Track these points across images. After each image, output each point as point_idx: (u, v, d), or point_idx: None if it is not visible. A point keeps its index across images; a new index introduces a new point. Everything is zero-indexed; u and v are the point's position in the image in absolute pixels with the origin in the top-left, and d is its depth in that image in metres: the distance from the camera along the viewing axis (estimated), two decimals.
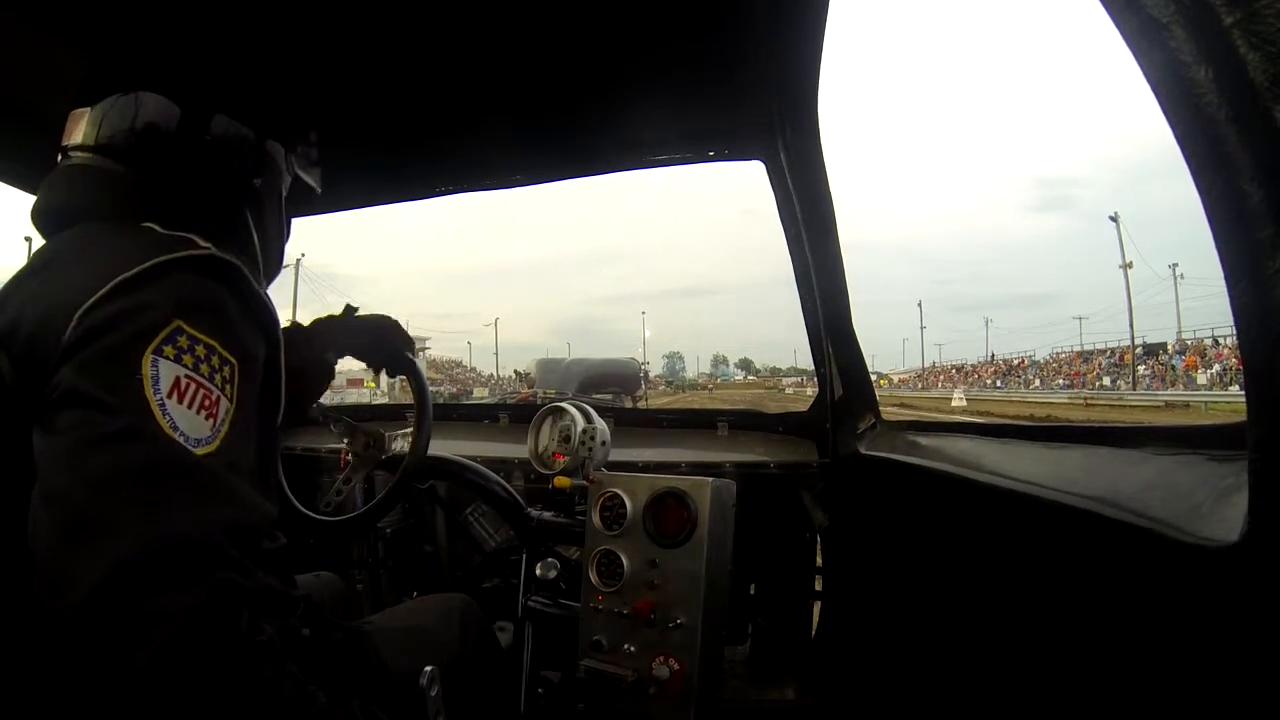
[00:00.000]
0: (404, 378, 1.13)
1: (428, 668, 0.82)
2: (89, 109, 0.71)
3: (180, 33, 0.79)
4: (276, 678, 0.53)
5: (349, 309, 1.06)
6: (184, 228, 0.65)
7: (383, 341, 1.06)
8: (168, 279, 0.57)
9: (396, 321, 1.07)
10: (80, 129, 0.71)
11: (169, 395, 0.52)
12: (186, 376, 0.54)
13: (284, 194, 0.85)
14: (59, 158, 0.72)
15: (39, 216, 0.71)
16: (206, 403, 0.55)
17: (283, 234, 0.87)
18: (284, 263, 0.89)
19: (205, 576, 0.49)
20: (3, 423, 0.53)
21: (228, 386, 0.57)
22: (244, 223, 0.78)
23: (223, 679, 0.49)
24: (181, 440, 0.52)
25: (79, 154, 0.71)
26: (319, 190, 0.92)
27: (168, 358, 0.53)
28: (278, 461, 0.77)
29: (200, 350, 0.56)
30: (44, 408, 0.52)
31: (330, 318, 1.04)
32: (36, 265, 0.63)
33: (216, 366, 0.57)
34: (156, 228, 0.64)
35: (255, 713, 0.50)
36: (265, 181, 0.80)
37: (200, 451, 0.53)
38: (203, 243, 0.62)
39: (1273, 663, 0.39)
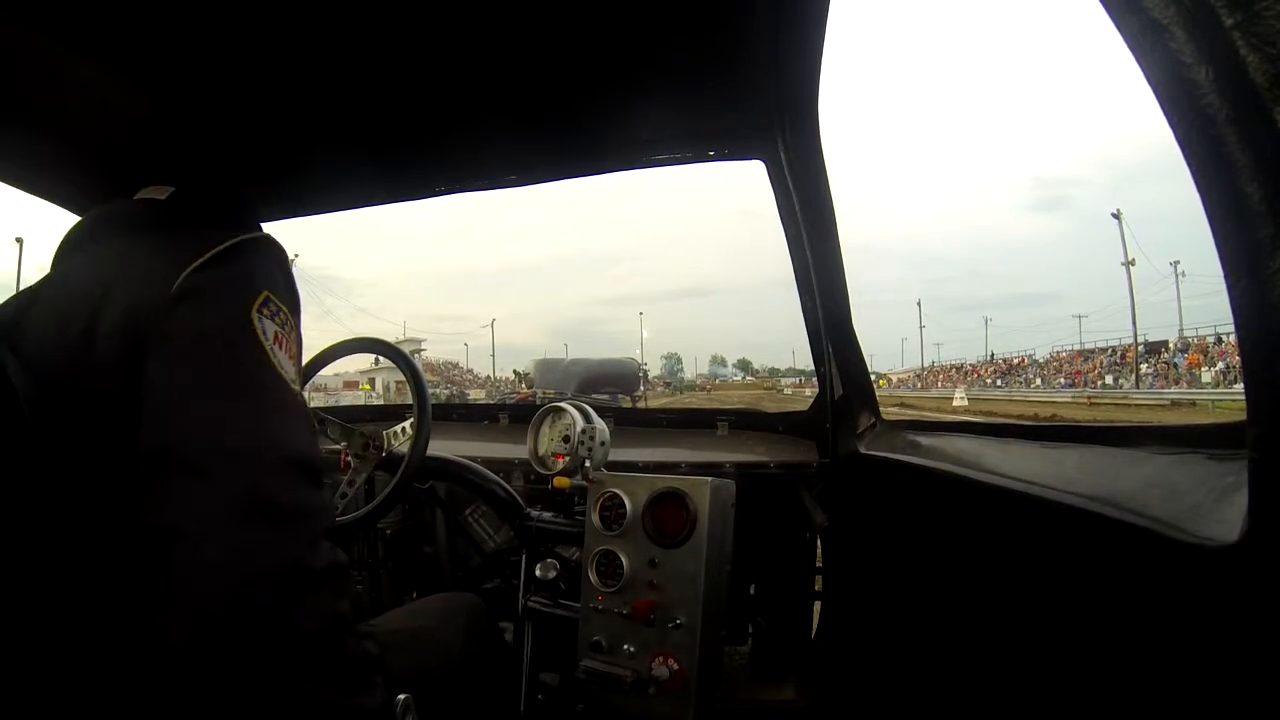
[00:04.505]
0: (401, 380, 1.14)
1: (401, 696, 0.81)
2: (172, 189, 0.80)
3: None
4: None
5: None
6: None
7: None
8: (249, 257, 0.66)
9: None
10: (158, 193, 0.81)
11: (274, 343, 0.62)
12: (278, 331, 0.64)
13: None
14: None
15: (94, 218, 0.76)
16: (292, 351, 0.65)
17: None
18: None
19: (321, 487, 0.60)
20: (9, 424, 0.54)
21: (296, 346, 0.68)
22: None
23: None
24: (286, 376, 0.62)
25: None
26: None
27: (266, 316, 0.63)
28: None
29: (282, 315, 0.66)
30: (163, 349, 0.58)
31: None
32: (81, 263, 0.70)
33: (292, 326, 0.67)
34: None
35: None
36: None
37: (295, 387, 0.63)
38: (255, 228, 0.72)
39: (1273, 662, 0.39)
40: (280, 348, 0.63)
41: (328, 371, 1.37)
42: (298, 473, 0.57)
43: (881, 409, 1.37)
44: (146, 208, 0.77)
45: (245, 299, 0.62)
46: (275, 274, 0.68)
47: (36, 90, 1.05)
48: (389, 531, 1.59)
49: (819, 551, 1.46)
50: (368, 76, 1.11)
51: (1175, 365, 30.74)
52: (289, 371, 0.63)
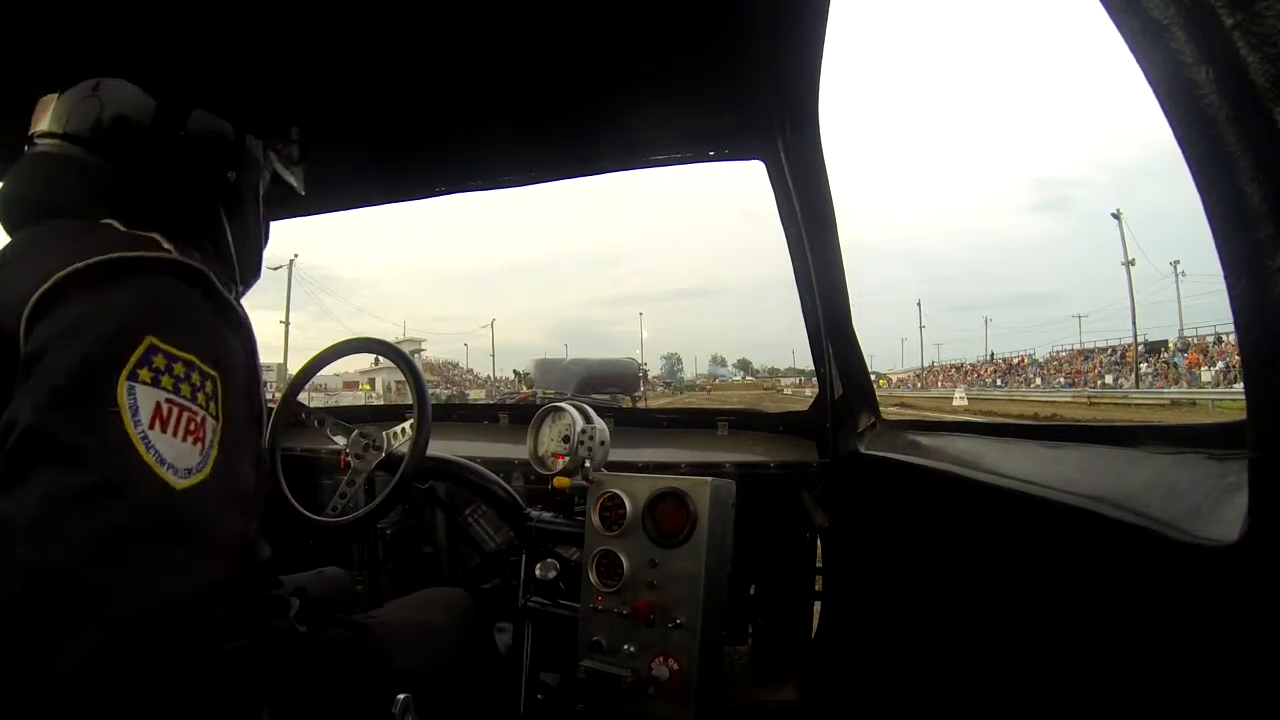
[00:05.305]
0: (401, 380, 1.13)
1: (400, 696, 0.79)
2: (58, 95, 0.67)
3: (162, 23, 0.75)
4: None
5: None
6: (149, 226, 0.62)
7: None
8: (130, 283, 0.51)
9: None
10: (48, 115, 0.67)
11: (151, 426, 0.46)
12: (168, 401, 0.48)
13: (262, 192, 0.81)
14: (25, 147, 0.69)
15: (2, 208, 0.66)
16: (192, 426, 0.49)
17: (260, 234, 0.83)
18: (263, 266, 0.86)
19: (211, 647, 0.45)
20: None
21: (212, 404, 0.52)
22: (217, 220, 0.74)
23: None
24: (169, 473, 0.47)
25: (45, 141, 0.67)
26: (301, 191, 0.89)
27: (144, 382, 0.47)
28: (264, 475, 0.75)
29: (179, 369, 0.50)
30: (4, 451, 0.45)
31: None
32: None
33: (198, 384, 0.51)
34: (117, 224, 0.61)
35: None
36: (242, 177, 0.76)
37: (190, 481, 0.48)
38: (165, 244, 0.59)
39: (1272, 662, 0.39)
40: (166, 427, 0.47)
41: (328, 371, 1.37)
42: (171, 627, 0.43)
43: (881, 409, 1.37)
44: (66, 171, 0.65)
45: (109, 363, 0.46)
46: (171, 306, 0.52)
47: (29, 85, 1.05)
48: (389, 531, 1.59)
49: (819, 551, 1.46)
50: (368, 77, 1.11)
51: (1175, 365, 30.72)
52: (181, 457, 0.47)
